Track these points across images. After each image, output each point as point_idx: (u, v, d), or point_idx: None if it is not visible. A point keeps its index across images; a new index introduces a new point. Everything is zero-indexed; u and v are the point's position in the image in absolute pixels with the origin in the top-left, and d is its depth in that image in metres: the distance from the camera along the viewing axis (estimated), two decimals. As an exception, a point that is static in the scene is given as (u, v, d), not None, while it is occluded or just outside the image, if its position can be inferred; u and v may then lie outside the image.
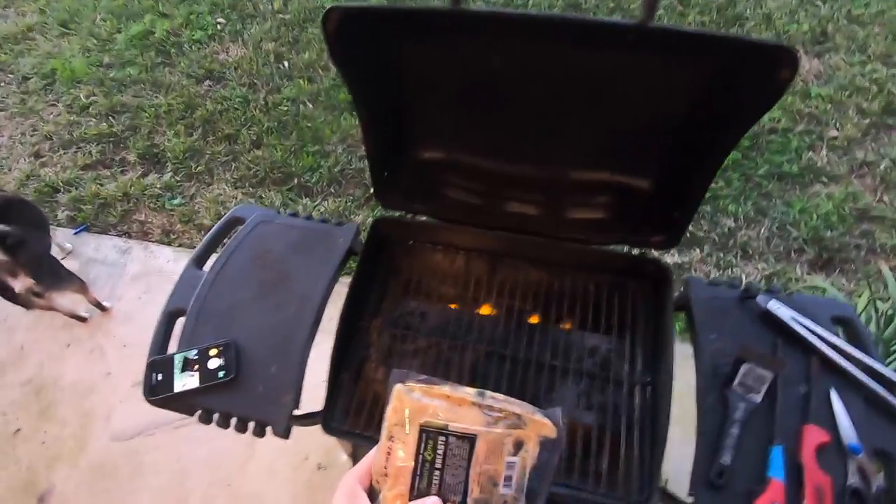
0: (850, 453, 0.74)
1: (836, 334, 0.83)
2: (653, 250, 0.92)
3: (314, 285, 0.91)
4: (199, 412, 0.86)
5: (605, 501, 0.74)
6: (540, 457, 0.47)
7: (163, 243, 2.08)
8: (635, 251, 0.92)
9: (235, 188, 2.21)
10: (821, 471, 0.72)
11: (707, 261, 1.85)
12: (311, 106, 2.42)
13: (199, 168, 2.27)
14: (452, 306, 0.96)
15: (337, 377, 0.85)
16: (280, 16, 2.78)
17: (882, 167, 2.01)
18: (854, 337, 0.84)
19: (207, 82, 2.60)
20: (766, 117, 2.17)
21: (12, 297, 1.59)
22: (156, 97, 2.55)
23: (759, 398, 0.78)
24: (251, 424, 0.84)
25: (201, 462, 1.60)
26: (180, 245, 2.08)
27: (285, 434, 0.82)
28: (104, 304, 1.88)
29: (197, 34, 2.77)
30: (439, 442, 0.46)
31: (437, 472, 0.46)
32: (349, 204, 2.07)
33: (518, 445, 0.46)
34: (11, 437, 1.68)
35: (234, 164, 2.28)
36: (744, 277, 1.79)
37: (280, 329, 0.89)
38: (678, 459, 0.81)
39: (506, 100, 0.82)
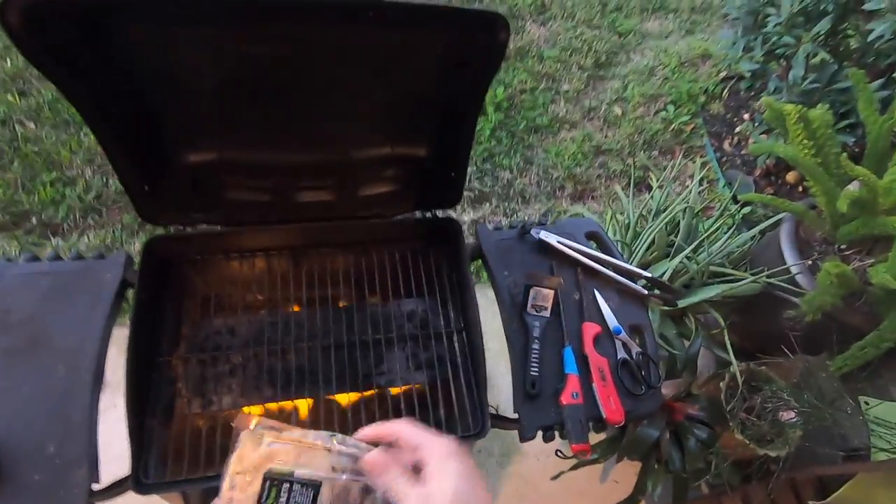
0: (615, 335, 0.93)
1: (591, 246, 1.03)
2: (442, 211, 0.99)
3: (85, 335, 0.77)
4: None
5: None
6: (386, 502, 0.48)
7: None
8: (428, 215, 0.99)
9: (-58, 246, 1.69)
10: (599, 355, 0.90)
11: (496, 211, 2.10)
12: (32, 125, 1.95)
13: None
14: (264, 312, 0.91)
15: (141, 427, 0.74)
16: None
17: (602, 110, 2.51)
18: (602, 245, 1.05)
19: None
20: (515, 80, 2.51)
21: None
22: None
23: (548, 314, 0.92)
24: (37, 523, 0.68)
25: None
26: None
27: (89, 516, 0.69)
28: None
29: None
30: (283, 489, 0.45)
31: None
32: (118, 233, 1.77)
33: (366, 492, 0.48)
34: None
35: (-70, 216, 1.73)
36: (525, 218, 2.08)
37: (50, 398, 0.73)
38: (509, 387, 0.92)
39: (267, 87, 0.78)
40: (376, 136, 0.91)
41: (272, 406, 0.83)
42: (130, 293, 0.84)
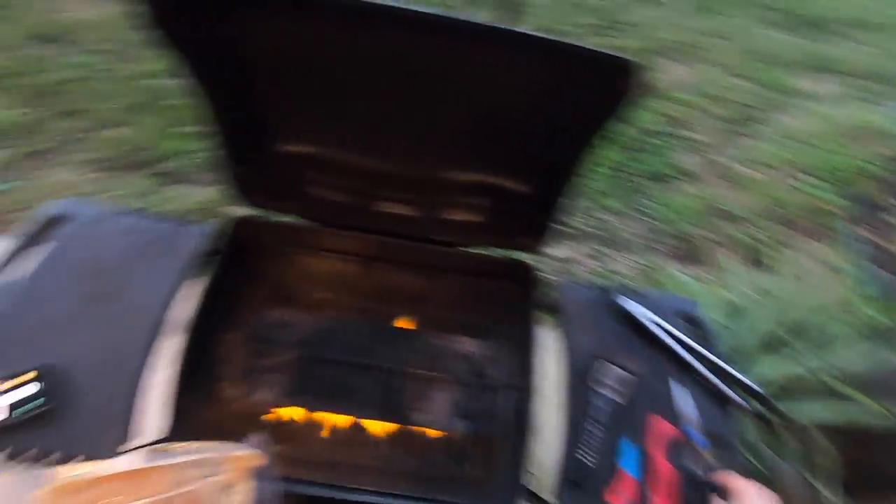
0: (689, 440, 0.80)
1: (682, 329, 0.90)
2: (522, 252, 0.92)
3: (154, 298, 0.79)
4: (8, 451, 0.71)
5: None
6: (257, 490, 0.45)
7: (-12, 236, 1.74)
8: (505, 253, 0.92)
9: (85, 172, 1.91)
10: (664, 459, 0.77)
11: (588, 254, 1.96)
12: (179, 81, 2.16)
13: (37, 147, 1.93)
14: (320, 315, 0.89)
15: (184, 400, 0.75)
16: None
17: (733, 169, 2.26)
18: (697, 330, 0.91)
19: (52, 44, 2.22)
20: (643, 119, 2.35)
21: None
22: (-23, 58, 2.12)
23: (619, 398, 0.81)
24: (75, 461, 0.71)
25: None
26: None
27: (117, 470, 0.71)
28: None
29: (34, -14, 2.35)
30: None
31: None
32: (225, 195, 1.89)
33: (227, 490, 0.44)
34: None
35: (83, 144, 1.97)
36: (619, 268, 1.92)
37: (111, 349, 0.76)
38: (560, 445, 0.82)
39: (372, 92, 0.76)
40: (469, 160, 0.86)
41: (306, 414, 0.81)
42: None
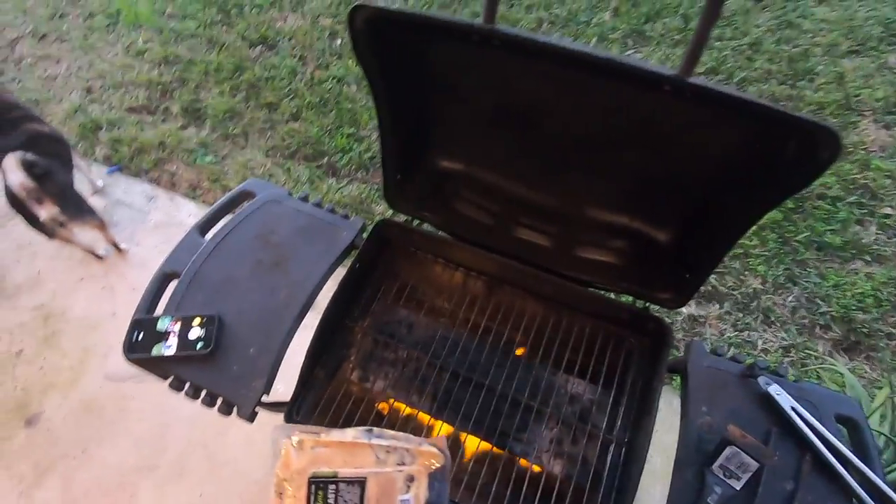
0: (825, 565, 0.68)
1: (838, 434, 0.77)
2: (656, 306, 0.87)
3: (310, 275, 0.90)
4: (172, 379, 0.86)
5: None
6: (431, 487, 0.49)
7: (188, 197, 2.12)
8: (638, 303, 0.88)
9: (267, 156, 2.23)
10: (789, 578, 0.67)
11: (725, 318, 1.77)
12: (355, 87, 2.42)
13: (235, 130, 2.31)
14: (441, 322, 0.94)
15: (311, 372, 0.84)
16: (342, -7, 2.79)
17: (935, 256, 1.88)
18: (857, 440, 0.78)
19: (260, 47, 2.64)
20: (817, 181, 2.06)
21: (37, 224, 1.64)
22: (209, 54, 2.60)
23: (738, 486, 0.73)
24: (219, 401, 0.84)
25: (184, 419, 1.62)
26: (204, 202, 2.12)
27: (250, 418, 0.82)
28: (122, 245, 1.92)
29: (260, -1, 2.81)
30: (329, 490, 0.48)
31: None
32: (372, 193, 2.07)
33: (410, 480, 0.48)
34: (13, 357, 1.74)
35: (269, 133, 2.30)
36: (760, 343, 1.71)
37: (267, 312, 0.88)
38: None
39: (536, 125, 0.78)
40: (621, 202, 0.84)
41: (410, 412, 0.85)
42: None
